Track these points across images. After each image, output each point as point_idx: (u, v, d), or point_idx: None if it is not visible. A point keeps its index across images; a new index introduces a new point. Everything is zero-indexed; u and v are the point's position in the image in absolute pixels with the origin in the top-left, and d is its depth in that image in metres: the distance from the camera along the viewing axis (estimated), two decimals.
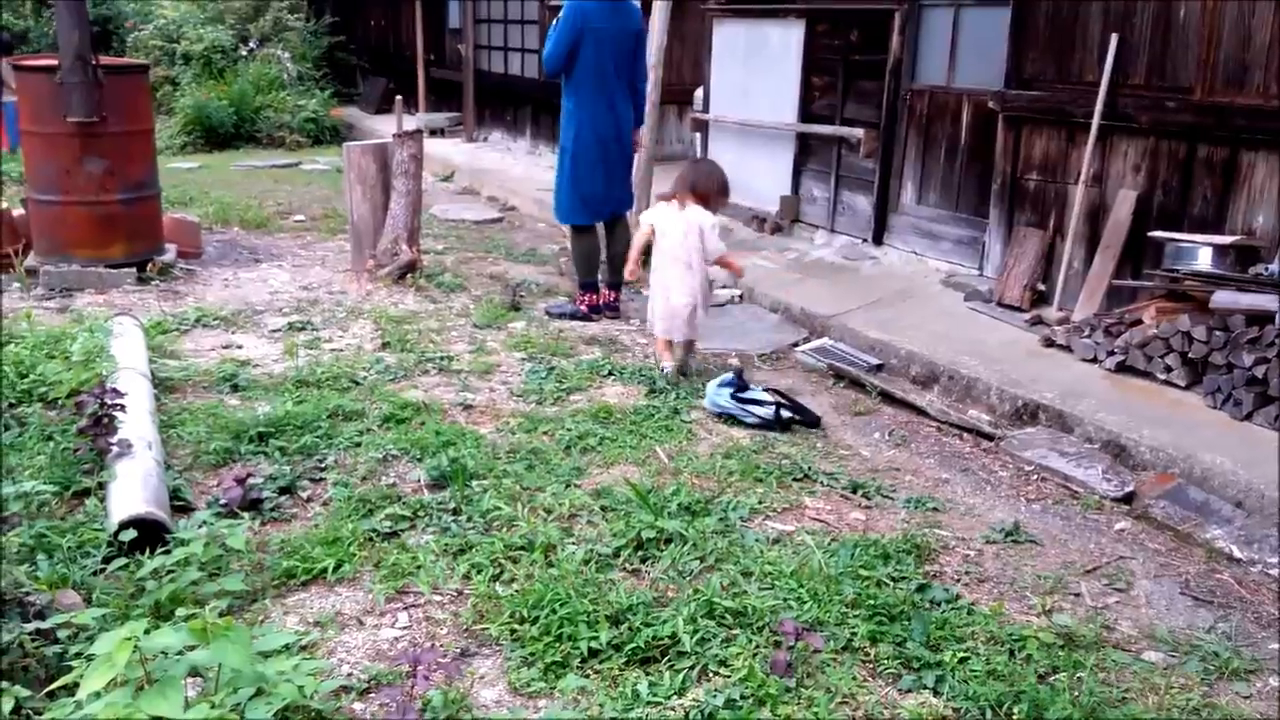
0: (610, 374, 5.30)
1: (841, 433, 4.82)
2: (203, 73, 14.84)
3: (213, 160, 12.78)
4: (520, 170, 11.66)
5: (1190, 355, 4.76)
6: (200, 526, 3.33)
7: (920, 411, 5.03)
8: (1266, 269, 4.68)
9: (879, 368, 5.67)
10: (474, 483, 3.92)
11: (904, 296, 6.49)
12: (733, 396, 4.80)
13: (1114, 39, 5.45)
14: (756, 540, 3.59)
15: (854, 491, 4.13)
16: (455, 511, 3.71)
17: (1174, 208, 5.37)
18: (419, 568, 3.31)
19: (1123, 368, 5.07)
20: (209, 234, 8.05)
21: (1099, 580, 3.58)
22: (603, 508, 3.77)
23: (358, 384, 4.98)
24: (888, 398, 5.20)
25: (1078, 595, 3.46)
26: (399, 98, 7.83)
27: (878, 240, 7.27)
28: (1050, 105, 5.90)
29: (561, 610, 2.99)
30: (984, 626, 3.14)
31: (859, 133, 7.20)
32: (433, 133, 13.57)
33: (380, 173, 6.96)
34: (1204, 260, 4.95)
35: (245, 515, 3.59)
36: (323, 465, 4.08)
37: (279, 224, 9.01)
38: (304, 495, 3.87)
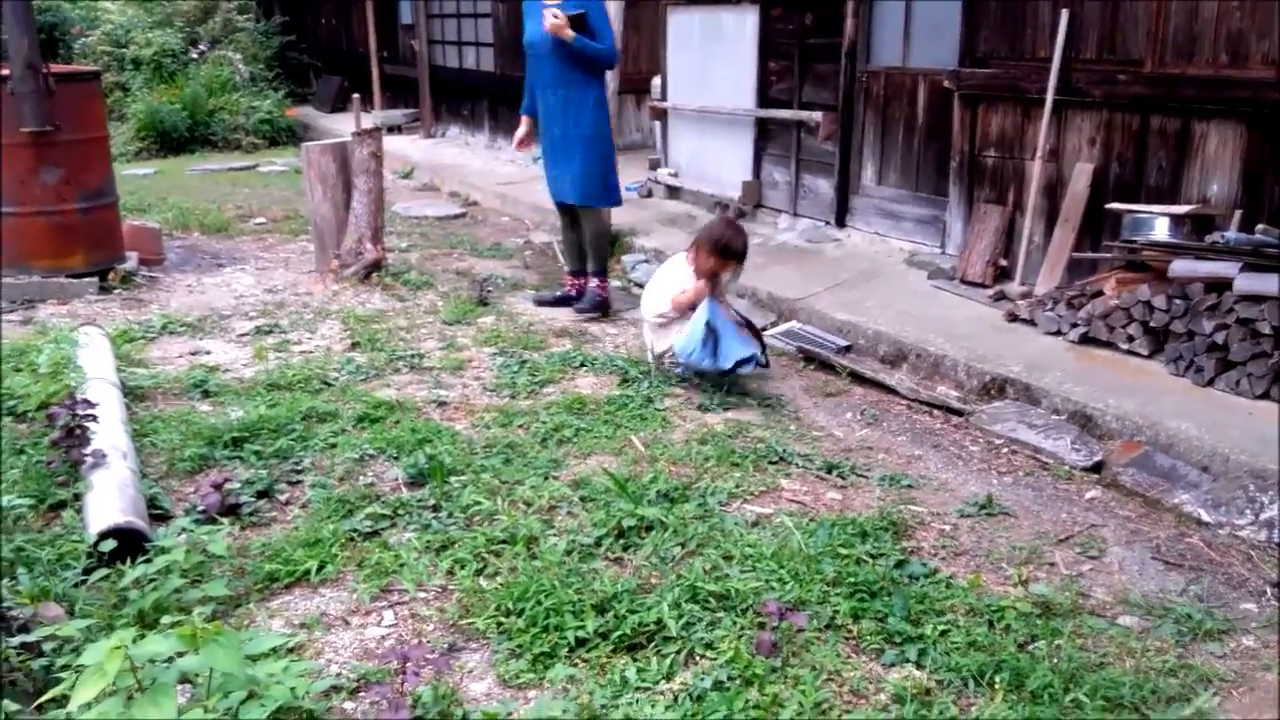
0: (582, 365, 5.32)
1: (814, 414, 4.87)
2: (154, 77, 14.66)
3: (168, 165, 12.64)
4: (480, 165, 11.63)
5: (1152, 324, 4.85)
6: (180, 534, 3.32)
7: (890, 390, 5.09)
8: (1223, 236, 4.77)
9: (847, 348, 5.72)
10: (452, 479, 3.93)
11: (869, 277, 6.55)
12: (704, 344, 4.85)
13: (1064, 14, 5.53)
14: (736, 524, 3.62)
15: (829, 472, 4.18)
16: (435, 508, 3.72)
17: (1130, 179, 5.46)
18: (402, 565, 3.33)
19: (1086, 339, 5.15)
20: (169, 240, 7.98)
21: (1072, 549, 3.64)
22: (582, 498, 3.79)
23: (329, 385, 4.97)
24: (858, 378, 5.25)
25: (1053, 565, 3.53)
26: (356, 96, 7.82)
27: (840, 222, 7.33)
28: (1005, 82, 5.97)
29: (547, 601, 3.01)
30: (963, 599, 3.19)
31: (817, 116, 7.25)
32: (390, 130, 13.49)
33: (340, 171, 6.93)
34: (1161, 230, 5.03)
35: (224, 521, 3.58)
36: (299, 468, 4.08)
37: (240, 227, 8.93)
38: (282, 498, 3.86)
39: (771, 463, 4.24)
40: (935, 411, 4.88)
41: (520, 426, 4.52)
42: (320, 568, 3.32)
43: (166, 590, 2.95)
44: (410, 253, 7.99)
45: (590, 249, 6.35)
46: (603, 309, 6.33)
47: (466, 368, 5.31)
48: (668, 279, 5.17)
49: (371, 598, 3.19)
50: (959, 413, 4.81)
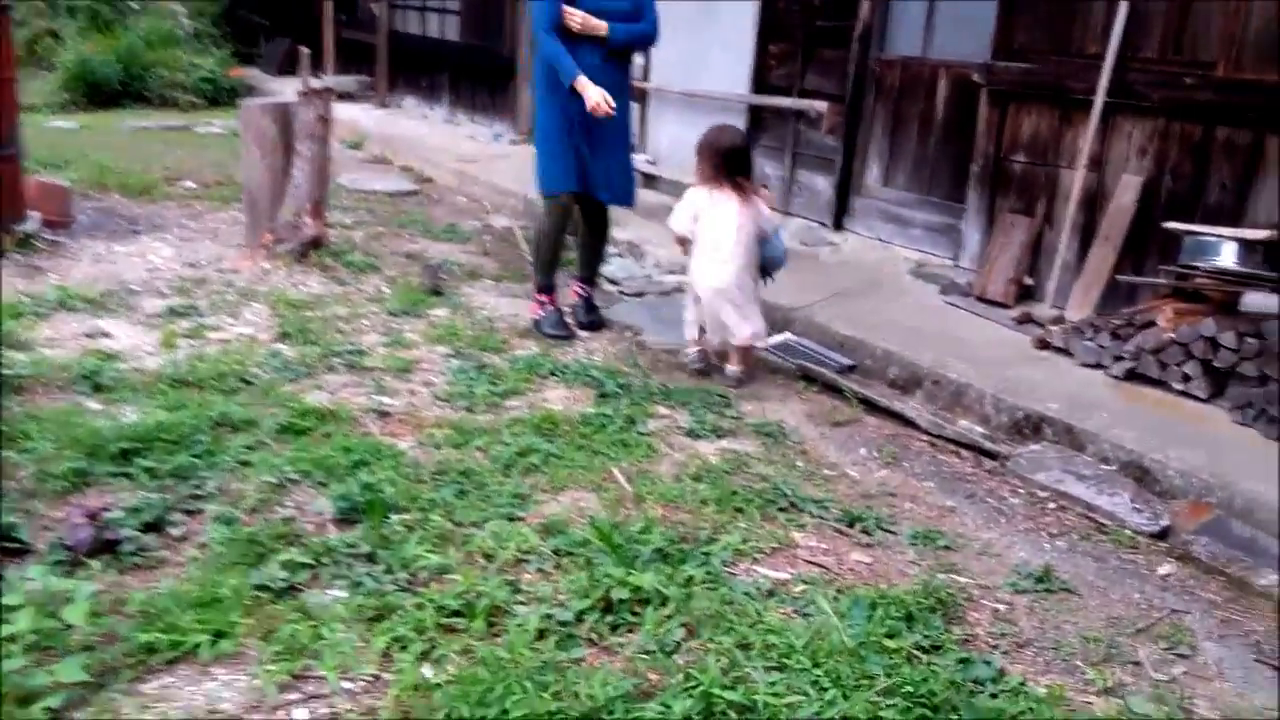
0: (552, 374, 4.56)
1: (822, 448, 4.15)
2: (89, 25, 13.59)
3: (96, 120, 11.59)
4: (437, 139, 10.77)
5: (1215, 364, 4.20)
6: (30, 583, 2.52)
7: (909, 423, 4.39)
8: None
9: (851, 368, 5.02)
10: (393, 517, 3.15)
11: (872, 288, 5.85)
12: None
13: (1123, 7, 4.86)
14: (748, 594, 2.90)
15: (850, 525, 3.47)
16: (370, 558, 2.94)
17: (1185, 196, 4.81)
18: (323, 641, 2.55)
19: (1132, 375, 4.50)
20: (83, 201, 7.05)
21: (1155, 642, 2.97)
22: (556, 551, 3.04)
23: (249, 384, 4.16)
24: (869, 405, 4.54)
25: (1137, 664, 2.85)
26: (305, 50, 6.92)
27: (838, 225, 6.63)
28: (1044, 80, 5.29)
29: (515, 709, 2.26)
30: (1044, 716, 2.49)
31: (821, 106, 6.54)
32: (341, 96, 12.49)
33: (282, 135, 6.08)
34: (1228, 256, 4.39)
35: (96, 563, 2.78)
36: (201, 493, 3.27)
37: (165, 191, 8.00)
38: (176, 534, 3.06)
39: (781, 509, 3.51)
40: (963, 451, 4.19)
41: (478, 448, 3.76)
42: (215, 640, 2.53)
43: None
44: (355, 230, 7.15)
45: (540, 251, 5.30)
46: (593, 325, 5.39)
47: (415, 370, 4.52)
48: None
49: (280, 686, 2.41)
50: (992, 455, 4.12)
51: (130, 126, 11.17)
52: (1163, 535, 3.57)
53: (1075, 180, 5.14)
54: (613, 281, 6.31)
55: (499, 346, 4.88)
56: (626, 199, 5.23)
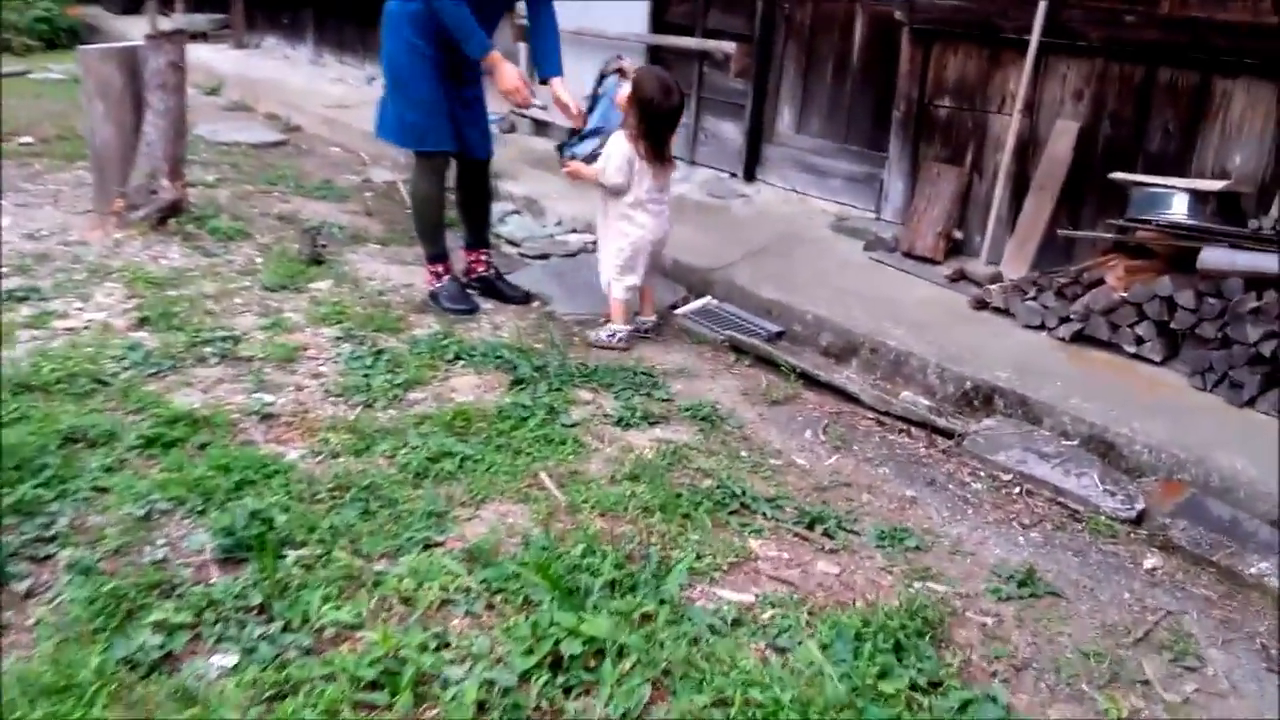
0: (458, 357, 4.06)
1: (764, 432, 3.77)
2: None
3: None
4: (302, 82, 9.97)
5: (1172, 325, 3.95)
6: None
7: (852, 399, 4.04)
8: (1265, 221, 3.90)
9: (780, 335, 4.66)
10: (288, 554, 2.66)
11: (792, 244, 5.47)
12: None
13: None
14: (712, 627, 2.51)
15: (810, 526, 3.10)
16: (262, 611, 2.45)
17: (1125, 143, 4.54)
18: None
19: (1079, 337, 4.23)
20: None
21: (1159, 653, 2.68)
22: (487, 586, 2.59)
23: (104, 385, 3.57)
24: (807, 379, 4.18)
25: (1146, 684, 2.56)
26: None
27: (749, 175, 6.23)
28: (973, 17, 4.95)
29: None
30: None
31: (728, 46, 6.09)
32: (194, 37, 11.53)
33: (129, 85, 5.36)
34: (1179, 208, 4.13)
35: None
36: (51, 532, 2.71)
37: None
38: (20, 588, 2.51)
39: (732, 512, 3.13)
40: (914, 429, 3.87)
41: (384, 455, 3.26)
42: None
43: None
44: (219, 189, 6.46)
45: (424, 218, 4.76)
46: (516, 298, 4.91)
47: (300, 358, 3.97)
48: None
49: None
50: (946, 434, 3.80)
51: None
52: (1139, 521, 3.31)
53: (1008, 126, 4.83)
54: (512, 243, 5.80)
55: (395, 325, 4.35)
56: (489, 153, 4.80)
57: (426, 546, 2.77)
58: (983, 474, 3.57)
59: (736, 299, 4.95)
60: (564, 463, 3.34)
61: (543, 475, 3.21)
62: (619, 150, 4.21)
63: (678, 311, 4.90)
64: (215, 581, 2.55)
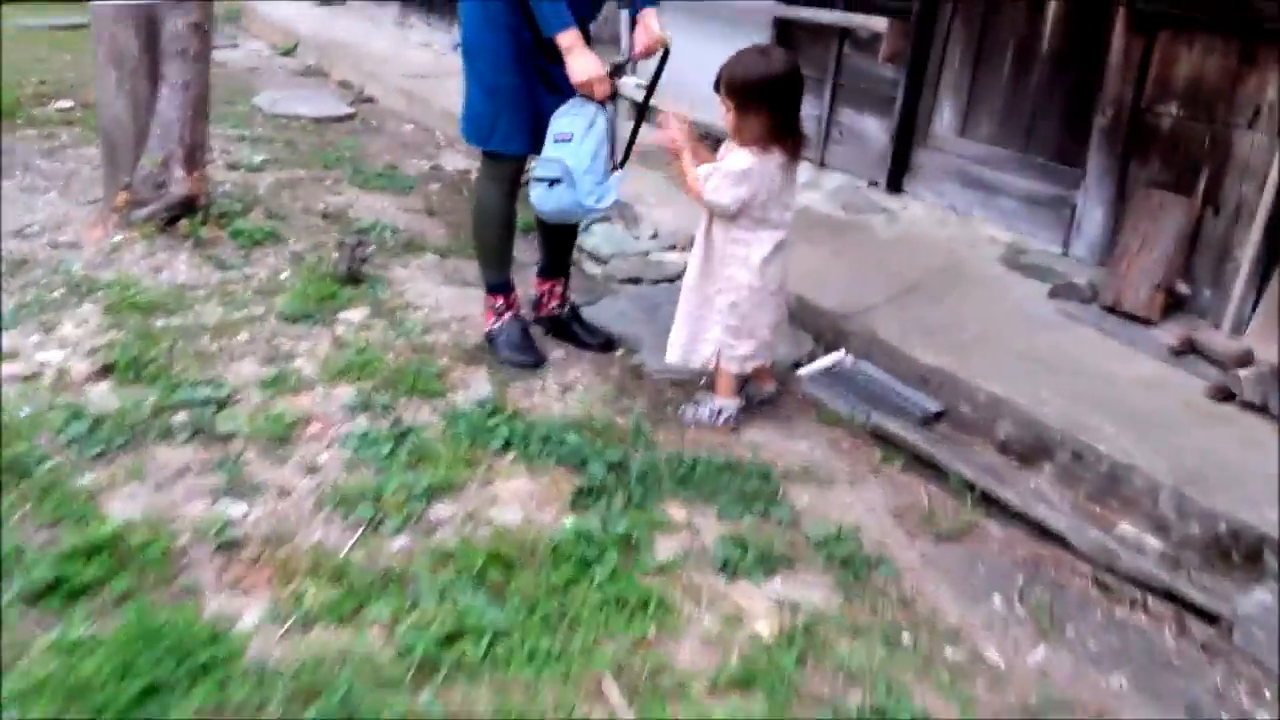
0: (508, 445, 3.00)
1: (931, 589, 2.63)
2: None
3: None
4: (384, 46, 9.01)
5: None
6: None
7: (1058, 539, 2.87)
8: None
9: (939, 415, 3.51)
10: None
11: (952, 283, 4.29)
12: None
13: None
14: None
15: None
16: None
17: None
18: None
19: None
20: None
21: None
22: None
23: (22, 476, 2.60)
24: (988, 500, 3.03)
25: None
26: None
27: (895, 186, 5.03)
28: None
29: None
30: None
31: (878, 23, 4.88)
32: None
33: (145, 51, 4.42)
34: None
35: None
36: None
37: (31, 114, 6.32)
38: None
39: None
40: (1150, 597, 2.69)
41: (379, 624, 2.23)
42: None
43: None
44: (263, 173, 5.51)
45: (486, 236, 3.69)
46: (596, 344, 3.82)
47: (297, 438, 2.95)
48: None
49: None
50: (1203, 614, 2.62)
51: (17, 25, 9.31)
52: None
53: (1263, 148, 3.57)
54: (596, 258, 4.72)
55: (433, 386, 3.31)
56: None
57: None
58: (1268, 694, 2.39)
59: (880, 358, 3.80)
60: (640, 646, 2.26)
61: (607, 684, 2.14)
62: (737, 164, 3.08)
63: (801, 372, 3.78)
64: None
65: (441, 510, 2.67)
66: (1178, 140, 3.94)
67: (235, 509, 2.58)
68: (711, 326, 3.25)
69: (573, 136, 3.30)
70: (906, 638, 2.42)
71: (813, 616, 2.43)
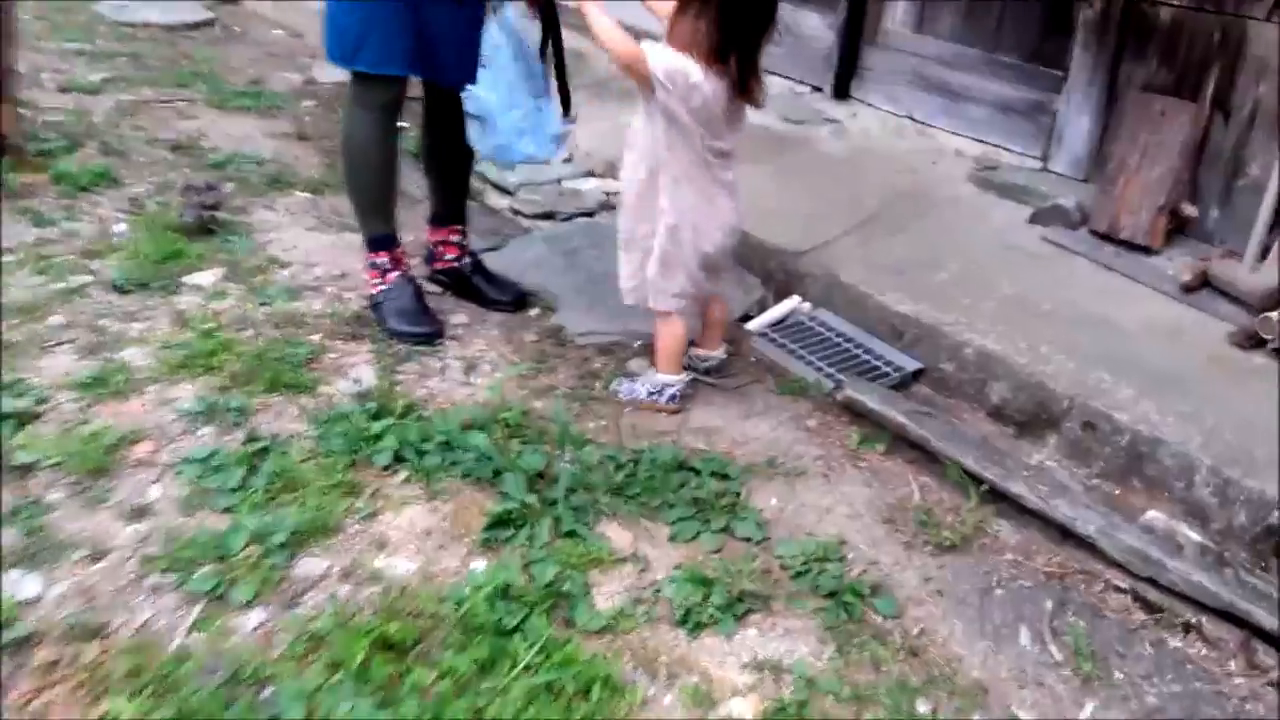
0: (399, 461, 2.35)
1: (943, 630, 2.08)
2: None
3: None
4: None
5: None
6: None
7: (1084, 543, 2.34)
8: None
9: (917, 375, 2.96)
10: None
11: (917, 206, 3.70)
12: None
13: None
14: None
15: None
16: None
17: None
18: None
19: None
20: None
21: None
22: None
23: None
24: (996, 495, 2.48)
25: None
26: None
27: (841, 92, 4.39)
28: None
29: None
30: None
31: None
32: None
33: None
34: None
35: None
36: None
37: None
38: None
39: None
40: (1204, 621, 2.18)
41: None
42: None
43: None
44: (100, 96, 4.66)
45: (362, 177, 2.95)
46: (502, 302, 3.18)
47: (118, 469, 2.26)
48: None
49: None
50: (1270, 639, 2.12)
51: None
52: None
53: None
54: (500, 188, 4.03)
55: (300, 377, 2.63)
56: (473, 76, 2.81)
57: None
58: None
59: (842, 305, 3.22)
60: None
61: None
62: (676, 60, 2.39)
63: (751, 326, 3.18)
64: None
65: (310, 565, 2.03)
66: (1179, 35, 3.36)
67: (28, 586, 1.91)
68: (645, 264, 2.62)
69: (488, 62, 2.64)
70: (923, 708, 1.88)
71: (802, 682, 1.88)
